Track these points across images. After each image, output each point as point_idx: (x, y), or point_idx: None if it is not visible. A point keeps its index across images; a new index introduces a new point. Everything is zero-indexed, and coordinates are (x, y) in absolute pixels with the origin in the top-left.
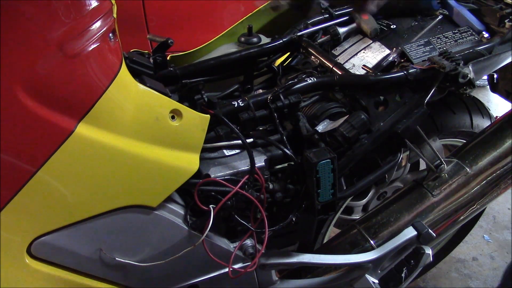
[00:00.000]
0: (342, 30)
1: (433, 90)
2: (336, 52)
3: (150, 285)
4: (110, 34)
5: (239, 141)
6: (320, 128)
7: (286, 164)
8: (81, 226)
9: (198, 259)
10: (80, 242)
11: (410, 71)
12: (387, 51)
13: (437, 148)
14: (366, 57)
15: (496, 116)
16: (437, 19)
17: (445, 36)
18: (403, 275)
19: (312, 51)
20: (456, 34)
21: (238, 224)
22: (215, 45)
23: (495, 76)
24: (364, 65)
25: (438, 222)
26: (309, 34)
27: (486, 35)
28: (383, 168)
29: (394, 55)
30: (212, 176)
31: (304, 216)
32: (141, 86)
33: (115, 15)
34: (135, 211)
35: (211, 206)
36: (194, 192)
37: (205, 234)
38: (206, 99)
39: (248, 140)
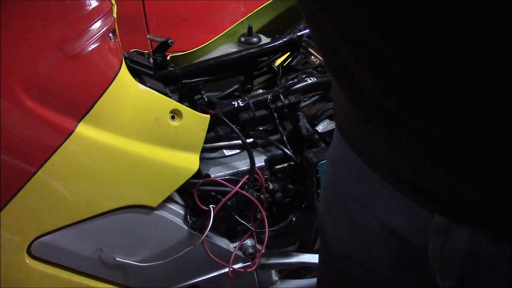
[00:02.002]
0: None
1: None
2: None
3: (150, 285)
4: (110, 34)
5: (239, 141)
6: (320, 128)
7: (286, 164)
8: (81, 226)
9: (198, 259)
10: (80, 242)
11: None
12: None
13: None
14: None
15: None
16: None
17: None
18: None
19: (312, 51)
20: None
21: (238, 224)
22: (215, 45)
23: None
24: None
25: None
26: (309, 34)
27: None
28: None
29: None
30: (212, 176)
31: (304, 216)
32: (141, 86)
33: (115, 15)
34: (135, 211)
35: (211, 206)
36: (194, 192)
37: (205, 234)
38: (206, 99)
39: (248, 140)
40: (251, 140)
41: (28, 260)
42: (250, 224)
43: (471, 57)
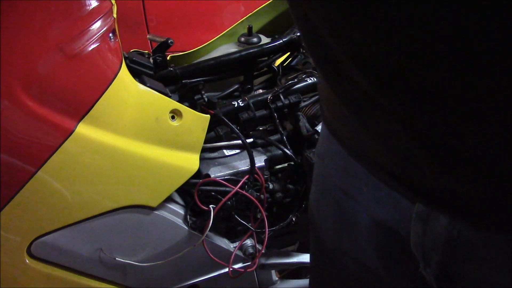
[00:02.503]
0: None
1: None
2: None
3: (150, 285)
4: (110, 34)
5: (239, 141)
6: (320, 128)
7: (286, 164)
8: (81, 226)
9: (198, 259)
10: (80, 242)
11: None
12: None
13: None
14: None
15: None
16: None
17: None
18: None
19: None
20: None
21: (238, 224)
22: (215, 45)
23: None
24: None
25: None
26: None
27: None
28: None
29: None
30: (212, 176)
31: (304, 216)
32: (141, 86)
33: (115, 15)
34: (135, 211)
35: (211, 206)
36: (194, 192)
37: (205, 234)
38: (206, 99)
39: (248, 140)
40: (251, 140)
41: (28, 260)
42: (250, 224)
43: (458, 51)
